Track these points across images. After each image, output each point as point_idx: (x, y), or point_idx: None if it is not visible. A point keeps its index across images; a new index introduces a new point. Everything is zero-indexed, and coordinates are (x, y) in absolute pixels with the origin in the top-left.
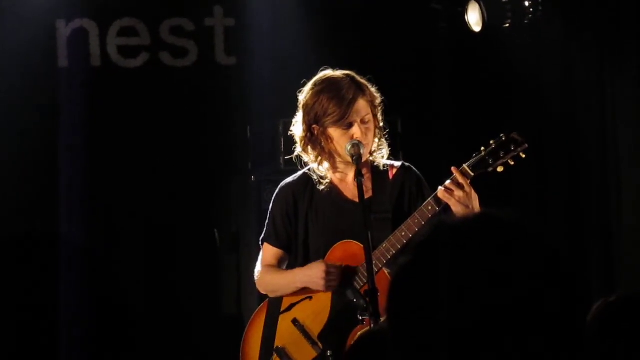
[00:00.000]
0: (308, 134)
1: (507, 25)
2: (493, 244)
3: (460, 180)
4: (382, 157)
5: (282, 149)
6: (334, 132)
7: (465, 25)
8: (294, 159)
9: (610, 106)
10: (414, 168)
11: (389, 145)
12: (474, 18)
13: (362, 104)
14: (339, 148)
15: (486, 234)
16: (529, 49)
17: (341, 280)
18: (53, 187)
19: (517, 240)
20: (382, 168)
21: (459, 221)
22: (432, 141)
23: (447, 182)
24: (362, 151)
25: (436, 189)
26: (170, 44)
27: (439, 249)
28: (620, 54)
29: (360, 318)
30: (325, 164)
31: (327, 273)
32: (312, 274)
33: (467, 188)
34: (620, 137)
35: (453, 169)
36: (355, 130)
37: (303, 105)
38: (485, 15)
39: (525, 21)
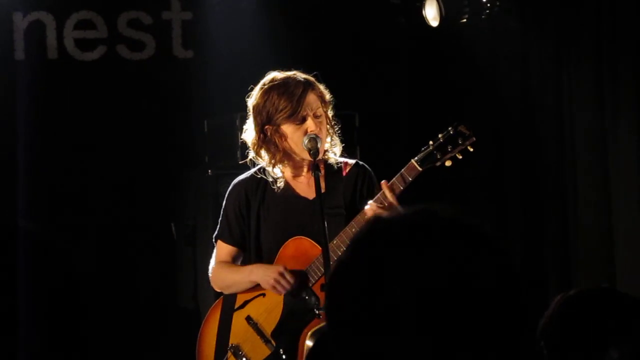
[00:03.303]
0: (261, 136)
1: (465, 19)
2: (429, 238)
3: (389, 196)
4: (334, 154)
5: (239, 143)
6: (287, 128)
7: (423, 20)
8: (248, 162)
9: (568, 100)
10: (367, 166)
11: (346, 140)
12: (431, 13)
13: (312, 98)
14: (294, 145)
15: (422, 229)
16: (486, 43)
17: (293, 286)
18: (10, 180)
19: (453, 235)
20: (335, 166)
21: (395, 217)
22: (389, 136)
23: (375, 199)
24: (319, 145)
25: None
26: (127, 37)
27: (375, 244)
28: (577, 47)
29: (317, 312)
30: (279, 166)
31: (281, 276)
32: (265, 274)
33: (393, 203)
34: (577, 129)
35: (382, 183)
36: (309, 124)
37: (253, 107)
38: (443, 9)
39: (483, 16)
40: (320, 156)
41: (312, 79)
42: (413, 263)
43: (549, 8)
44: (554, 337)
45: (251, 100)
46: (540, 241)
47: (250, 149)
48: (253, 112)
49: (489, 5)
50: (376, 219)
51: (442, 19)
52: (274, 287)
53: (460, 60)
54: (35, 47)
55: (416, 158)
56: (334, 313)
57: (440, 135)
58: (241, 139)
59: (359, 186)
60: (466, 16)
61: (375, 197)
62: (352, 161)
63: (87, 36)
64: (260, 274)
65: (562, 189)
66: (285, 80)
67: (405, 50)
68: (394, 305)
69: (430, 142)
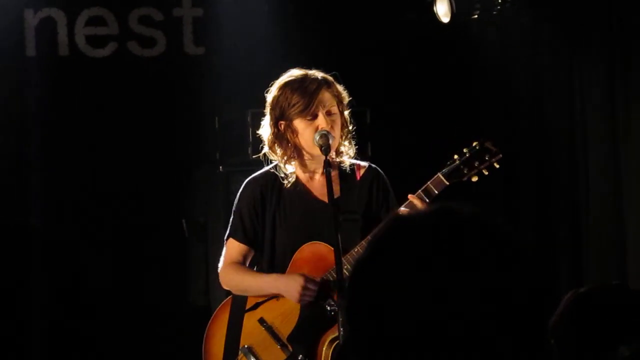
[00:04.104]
0: (275, 131)
1: (476, 16)
2: (450, 237)
3: (419, 205)
4: (348, 156)
5: (251, 140)
6: (299, 123)
7: (434, 16)
8: (260, 157)
9: (580, 95)
10: (380, 171)
11: (357, 136)
12: (442, 9)
13: (326, 96)
14: (304, 142)
15: (442, 228)
16: (497, 40)
17: (317, 295)
18: (21, 177)
19: (474, 233)
20: (348, 169)
21: (415, 215)
22: (400, 132)
23: (403, 208)
24: (330, 142)
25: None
26: (138, 34)
27: (395, 242)
28: (589, 45)
29: (329, 309)
30: (293, 163)
31: (305, 288)
32: (290, 286)
33: None
34: (589, 124)
35: (409, 196)
36: (321, 121)
37: (269, 103)
38: (454, 6)
39: (494, 12)
40: (331, 152)
41: (330, 78)
42: (434, 261)
43: (560, 3)
44: (564, 335)
45: (268, 95)
46: (552, 238)
47: (265, 144)
48: (269, 107)
49: (500, 1)
50: (395, 218)
51: (453, 15)
52: (301, 300)
53: (471, 56)
54: (46, 44)
55: (443, 171)
56: (354, 313)
57: (465, 150)
58: (257, 133)
59: (374, 193)
60: (477, 12)
61: (403, 207)
62: (364, 164)
63: (98, 33)
64: (280, 286)
65: (574, 185)
66: (302, 77)
67: (415, 46)
68: (415, 302)
69: (456, 156)
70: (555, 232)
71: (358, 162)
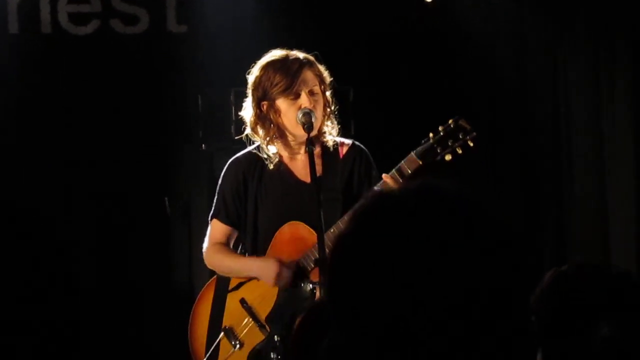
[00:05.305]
0: (257, 111)
1: None
2: (434, 212)
3: (393, 186)
4: (331, 135)
5: (234, 118)
6: (282, 103)
7: None
8: (243, 138)
9: (563, 76)
10: (364, 148)
11: (341, 115)
12: None
13: (309, 75)
14: (287, 121)
15: (426, 203)
16: (481, 19)
17: (293, 278)
18: (4, 155)
19: (458, 209)
20: (331, 148)
21: (399, 191)
22: (384, 111)
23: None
24: (313, 120)
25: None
26: (121, 12)
27: (379, 216)
28: (573, 24)
29: (311, 286)
30: (275, 144)
31: (279, 274)
32: (264, 271)
33: None
34: (573, 107)
35: (383, 175)
36: (303, 100)
37: (252, 84)
38: None
39: None
40: (314, 132)
41: (311, 58)
42: (418, 235)
43: None
44: (545, 312)
45: (250, 76)
46: (536, 222)
47: (247, 125)
48: (251, 87)
49: None
50: (379, 192)
51: None
52: (276, 284)
53: (455, 36)
54: (29, 21)
55: (416, 150)
56: (336, 288)
57: (440, 128)
58: (239, 114)
59: (356, 169)
60: None
61: (376, 188)
62: (348, 141)
63: (81, 10)
64: (257, 271)
65: (558, 168)
66: (284, 57)
67: (399, 26)
68: (399, 277)
69: (430, 135)
70: (539, 216)
71: (342, 139)
